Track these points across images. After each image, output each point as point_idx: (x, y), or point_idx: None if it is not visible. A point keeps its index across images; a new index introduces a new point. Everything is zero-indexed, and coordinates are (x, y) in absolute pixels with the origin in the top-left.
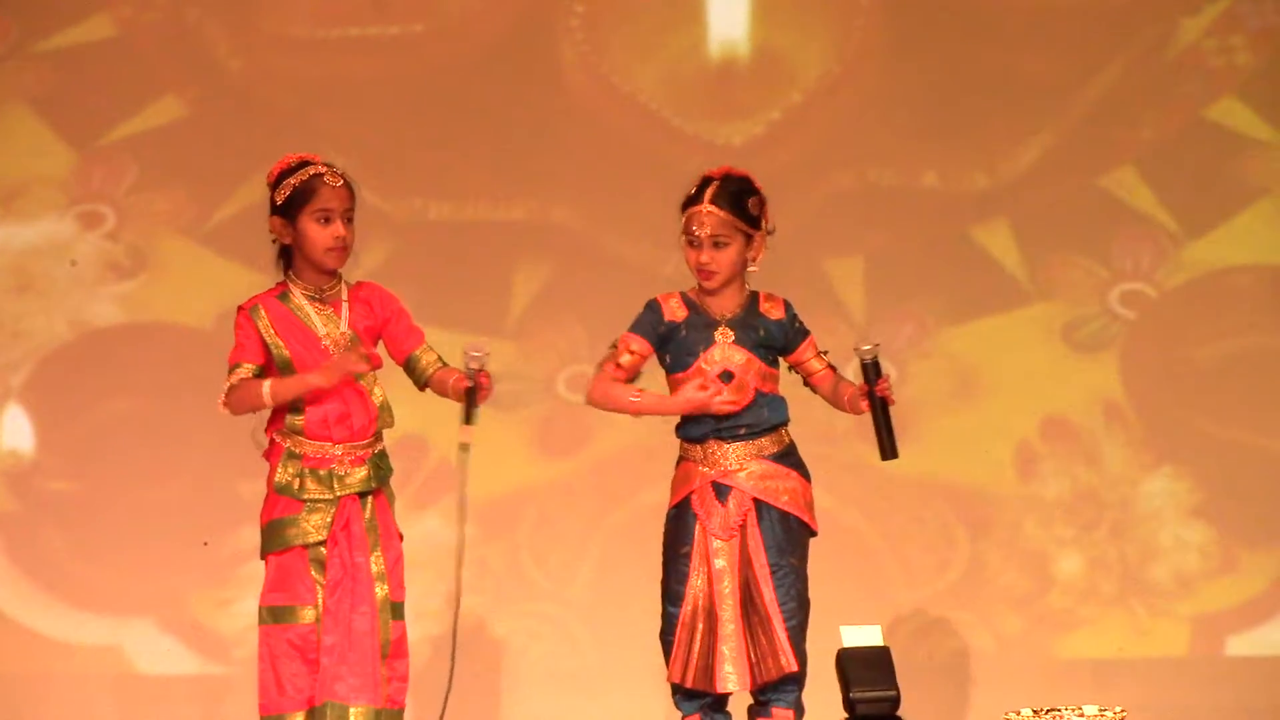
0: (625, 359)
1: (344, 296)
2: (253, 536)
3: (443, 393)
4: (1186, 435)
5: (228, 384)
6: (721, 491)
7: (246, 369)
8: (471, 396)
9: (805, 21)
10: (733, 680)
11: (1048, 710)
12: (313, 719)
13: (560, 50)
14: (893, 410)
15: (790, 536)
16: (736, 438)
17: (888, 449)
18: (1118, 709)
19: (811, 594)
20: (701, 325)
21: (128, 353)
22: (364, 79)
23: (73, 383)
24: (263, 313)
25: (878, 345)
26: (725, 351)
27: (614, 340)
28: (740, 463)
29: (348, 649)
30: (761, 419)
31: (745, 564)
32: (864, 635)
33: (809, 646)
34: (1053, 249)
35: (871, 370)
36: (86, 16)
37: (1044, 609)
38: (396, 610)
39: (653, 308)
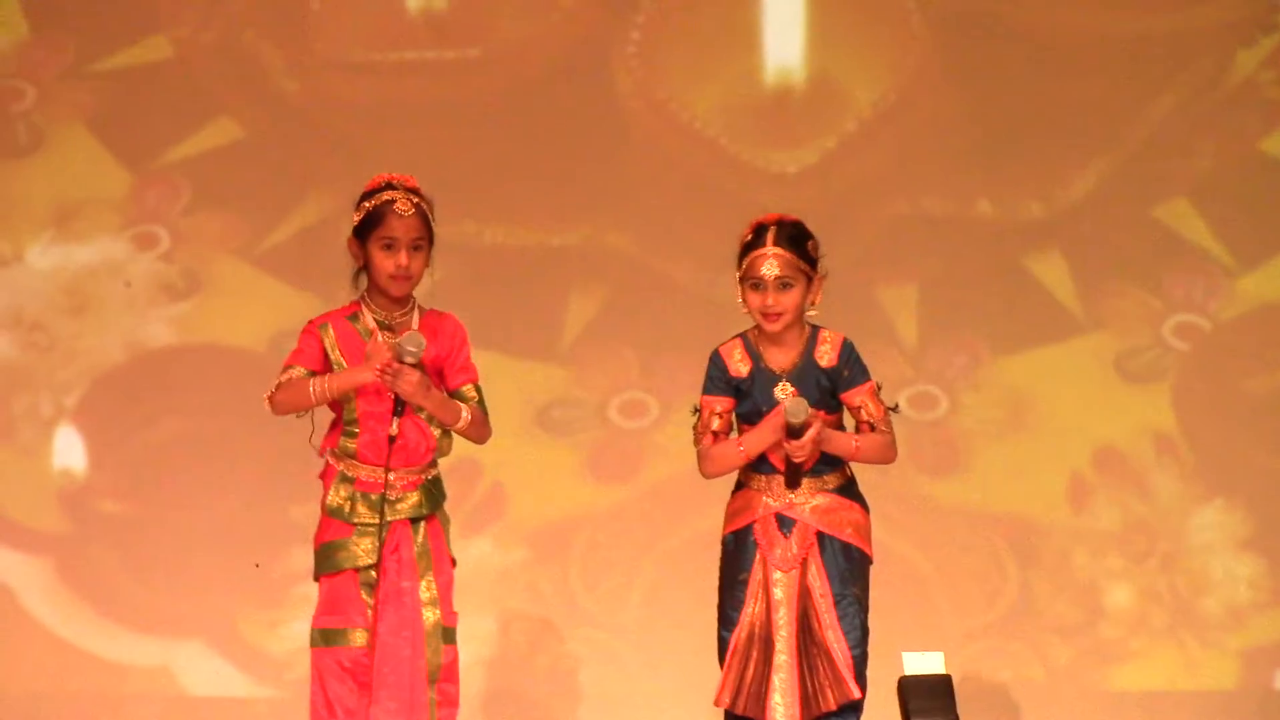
0: (716, 424)
1: (414, 325)
2: (304, 558)
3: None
4: (1238, 467)
5: (277, 381)
6: (785, 524)
7: (299, 371)
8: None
9: (860, 49)
10: (780, 712)
11: None
12: None
13: (616, 76)
14: (938, 439)
15: (853, 567)
16: (803, 473)
17: (794, 477)
18: None
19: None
20: (765, 381)
21: (181, 374)
22: (419, 103)
23: (126, 404)
24: (331, 331)
25: (809, 410)
26: None
27: (694, 407)
28: (804, 496)
29: (388, 674)
30: (826, 455)
31: (804, 595)
32: (926, 662)
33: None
34: (1106, 279)
35: (799, 433)
36: (143, 37)
37: (1094, 640)
38: (448, 635)
39: (717, 363)
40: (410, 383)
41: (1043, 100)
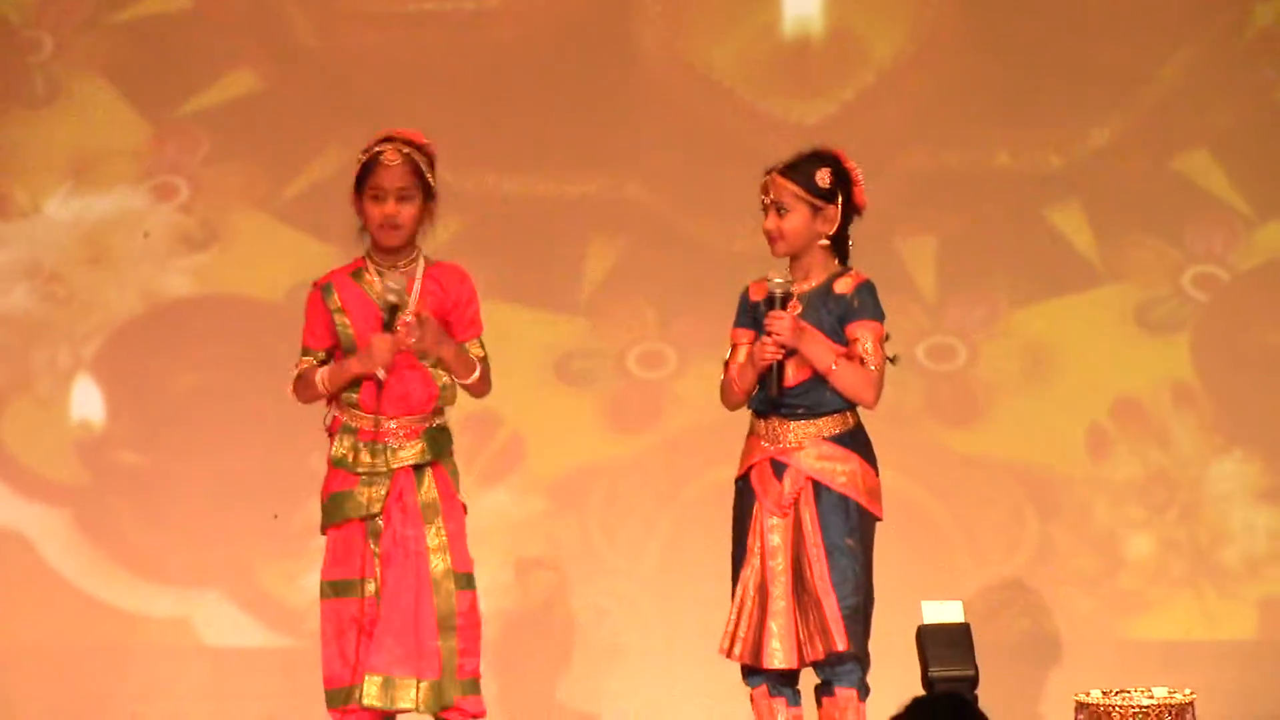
0: (742, 356)
1: (418, 275)
2: (311, 515)
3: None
4: (1257, 418)
5: (295, 372)
6: (779, 468)
7: (311, 358)
8: (394, 311)
9: (879, 1)
10: (779, 657)
11: (1117, 691)
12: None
13: (635, 27)
14: (957, 390)
15: (847, 519)
16: (796, 416)
17: (776, 385)
18: (1187, 691)
19: (882, 573)
20: (777, 302)
21: (199, 325)
22: (439, 54)
23: (144, 355)
24: (334, 290)
25: (791, 281)
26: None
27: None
28: (799, 441)
29: (395, 619)
30: (823, 400)
31: (798, 543)
32: (945, 611)
33: (884, 625)
34: (1125, 231)
35: (780, 302)
36: None
37: (1114, 590)
38: (461, 580)
39: (743, 295)
40: (429, 337)
41: (1062, 52)
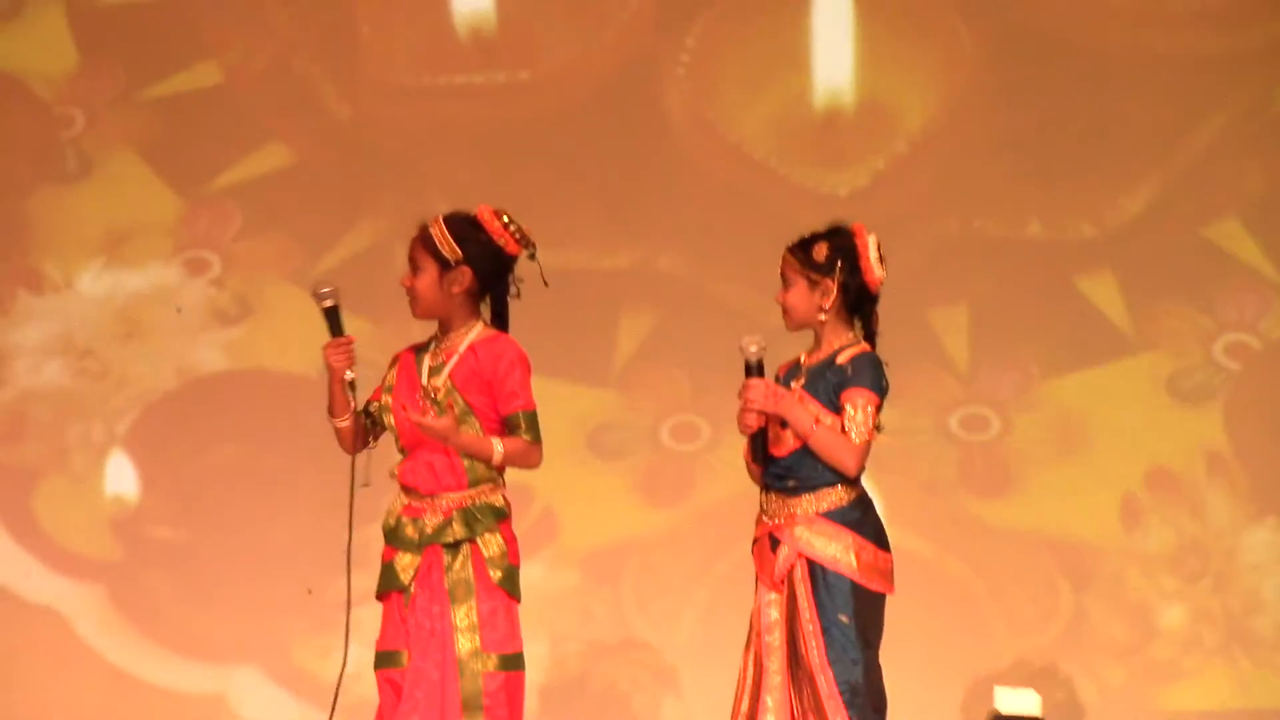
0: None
1: (461, 347)
2: (359, 584)
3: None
4: None
5: None
6: (775, 543)
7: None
8: (334, 314)
9: (910, 70)
10: None
11: None
12: None
13: (666, 97)
14: (990, 460)
15: (840, 596)
16: (789, 490)
17: (759, 452)
18: None
19: (918, 644)
20: (792, 373)
21: (232, 399)
22: (470, 126)
23: (178, 429)
24: (398, 359)
25: (764, 346)
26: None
27: None
28: (792, 517)
29: (419, 697)
30: (815, 473)
31: (794, 618)
32: (1020, 701)
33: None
34: (1157, 299)
35: (755, 369)
36: (194, 63)
37: (1147, 660)
38: (492, 661)
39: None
40: (437, 428)
41: (1093, 120)
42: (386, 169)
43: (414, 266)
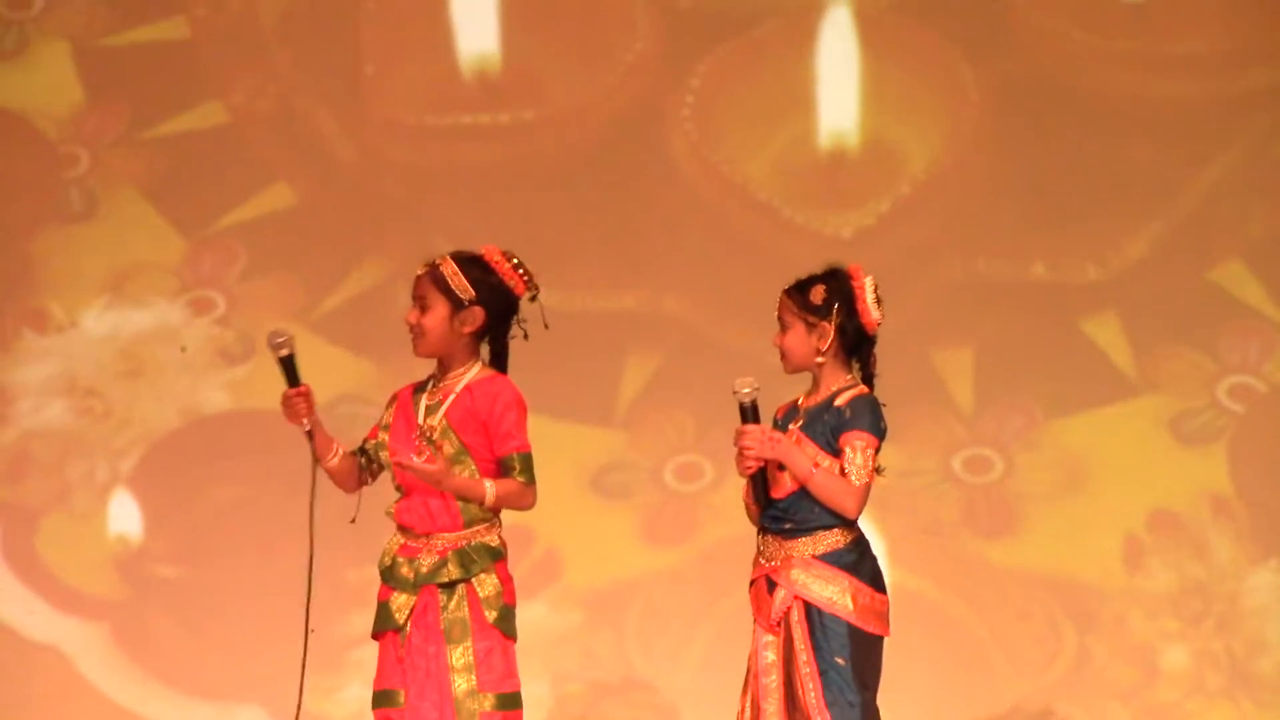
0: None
1: (458, 387)
2: (359, 623)
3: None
4: None
5: None
6: (772, 585)
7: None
8: (289, 362)
9: (914, 113)
10: None
11: None
12: None
13: (671, 139)
14: (993, 502)
15: (837, 639)
16: (785, 533)
17: (760, 495)
18: None
19: (920, 686)
20: (790, 416)
21: (236, 439)
22: (474, 166)
23: (181, 469)
24: (396, 398)
25: (757, 389)
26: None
27: None
28: (788, 559)
29: None
30: (811, 515)
31: (790, 660)
32: None
33: None
34: (1161, 341)
35: (749, 414)
36: (199, 103)
37: (1151, 702)
38: (488, 700)
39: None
40: (429, 472)
41: (1096, 163)
42: (390, 209)
43: (422, 305)
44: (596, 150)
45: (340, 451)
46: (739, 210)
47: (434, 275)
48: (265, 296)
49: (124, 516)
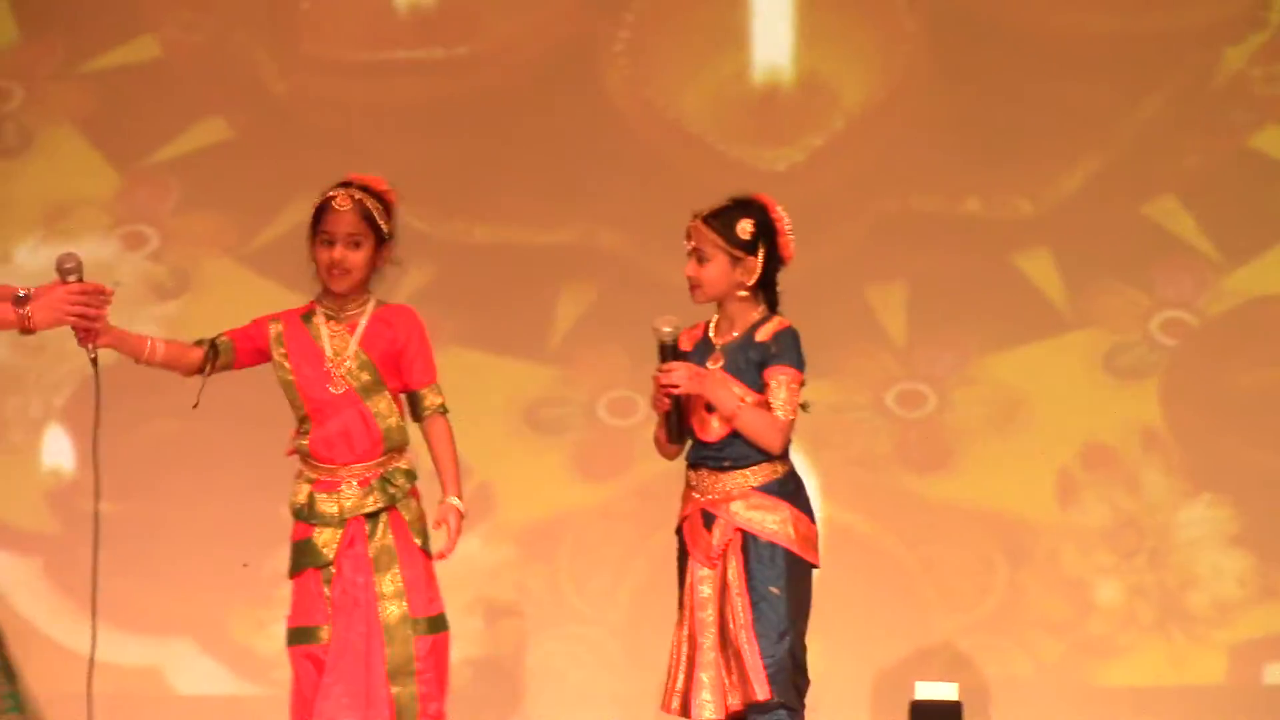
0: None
1: (364, 317)
2: (278, 562)
3: (427, 441)
4: (1226, 463)
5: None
6: (709, 519)
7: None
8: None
9: (849, 48)
10: (709, 708)
11: None
12: None
13: (605, 74)
14: (927, 437)
15: (774, 568)
16: (722, 468)
17: (674, 432)
18: None
19: (852, 619)
20: (704, 351)
21: (169, 374)
22: (408, 102)
23: (114, 403)
24: (280, 325)
25: (680, 327)
26: None
27: None
28: (728, 492)
29: (343, 667)
30: (749, 451)
31: (724, 592)
32: (939, 691)
33: (847, 672)
34: (1094, 276)
35: (669, 352)
36: (132, 38)
37: (1083, 636)
38: (422, 625)
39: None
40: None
41: (1032, 98)
42: (324, 144)
43: (352, 241)
44: (531, 85)
45: (157, 347)
46: (673, 145)
47: (364, 212)
48: (199, 231)
49: (57, 450)
